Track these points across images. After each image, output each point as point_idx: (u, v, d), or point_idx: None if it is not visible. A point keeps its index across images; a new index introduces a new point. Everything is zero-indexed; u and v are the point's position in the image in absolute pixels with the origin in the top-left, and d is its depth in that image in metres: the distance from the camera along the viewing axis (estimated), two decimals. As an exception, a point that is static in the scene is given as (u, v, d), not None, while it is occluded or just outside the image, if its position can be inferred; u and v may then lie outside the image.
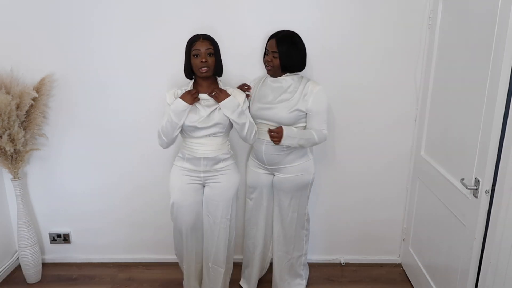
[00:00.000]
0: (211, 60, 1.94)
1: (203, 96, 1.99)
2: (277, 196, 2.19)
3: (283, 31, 2.03)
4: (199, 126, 1.96)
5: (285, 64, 1.99)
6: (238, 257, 2.70)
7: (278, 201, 2.19)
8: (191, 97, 1.94)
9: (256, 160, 2.17)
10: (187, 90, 1.99)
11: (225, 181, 2.07)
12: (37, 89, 2.27)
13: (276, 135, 1.97)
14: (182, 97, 1.94)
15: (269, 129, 2.00)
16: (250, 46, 2.28)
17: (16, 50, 2.30)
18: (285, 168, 2.10)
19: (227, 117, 1.97)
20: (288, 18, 2.23)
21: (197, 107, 1.98)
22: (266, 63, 2.05)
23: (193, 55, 1.93)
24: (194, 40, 1.94)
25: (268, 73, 2.09)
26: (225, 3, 2.23)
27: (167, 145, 2.05)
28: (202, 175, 2.06)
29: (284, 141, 1.97)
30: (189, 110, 1.95)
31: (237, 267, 2.65)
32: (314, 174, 2.18)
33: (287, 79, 2.05)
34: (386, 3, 2.22)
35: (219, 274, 2.22)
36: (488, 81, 1.60)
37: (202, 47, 1.91)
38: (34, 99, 2.25)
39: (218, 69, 1.99)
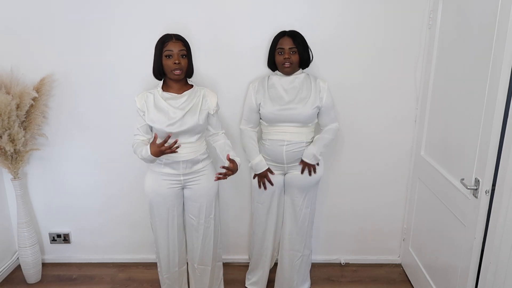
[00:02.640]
0: (184, 61, 1.89)
1: (174, 102, 1.93)
2: (291, 193, 2.18)
3: (288, 30, 2.06)
4: (173, 131, 1.88)
5: (304, 58, 2.03)
6: (237, 257, 2.71)
7: (291, 198, 2.19)
8: (159, 152, 1.81)
9: (270, 162, 2.15)
10: (158, 142, 1.83)
11: (205, 182, 2.05)
12: (37, 89, 2.27)
13: (311, 168, 2.10)
14: (153, 151, 1.82)
15: (302, 172, 2.10)
16: (249, 46, 2.28)
17: (16, 50, 2.30)
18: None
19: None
20: (287, 18, 2.22)
21: (168, 111, 1.91)
22: (284, 61, 2.01)
23: (166, 56, 1.87)
24: (165, 40, 1.88)
25: (285, 72, 2.06)
26: (224, 2, 2.23)
27: None
28: (182, 178, 2.02)
29: (318, 160, 2.11)
30: (161, 114, 1.90)
31: (237, 267, 2.66)
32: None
33: (299, 77, 2.07)
34: (386, 3, 2.22)
35: (205, 273, 2.22)
36: (488, 81, 1.60)
37: (175, 48, 1.86)
38: (34, 99, 2.25)
39: (190, 70, 1.97)
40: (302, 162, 2.09)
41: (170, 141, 1.86)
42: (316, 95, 2.04)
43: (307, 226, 2.24)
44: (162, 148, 1.81)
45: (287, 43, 2.00)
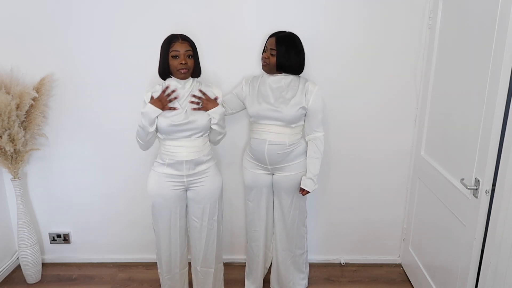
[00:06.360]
0: (190, 62, 1.91)
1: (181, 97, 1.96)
2: (278, 195, 2.19)
3: (285, 31, 2.05)
4: (177, 122, 1.90)
5: (281, 63, 2.00)
6: (237, 257, 2.71)
7: (279, 200, 2.20)
8: (160, 103, 1.89)
9: (254, 161, 2.16)
10: (162, 89, 1.94)
11: (209, 183, 2.05)
12: (37, 89, 2.27)
13: (307, 191, 2.10)
14: (153, 102, 1.89)
15: (302, 192, 2.11)
16: (248, 44, 2.28)
17: (16, 50, 2.30)
18: (286, 166, 2.11)
19: (213, 123, 1.98)
20: (287, 18, 2.23)
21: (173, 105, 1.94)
22: (263, 59, 2.06)
23: (172, 56, 1.88)
24: (172, 41, 1.89)
25: (263, 69, 2.09)
26: (225, 1, 2.23)
27: (145, 148, 2.04)
28: (185, 179, 2.01)
29: (316, 185, 2.11)
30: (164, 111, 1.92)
31: (236, 267, 2.66)
32: None
33: (287, 78, 2.06)
34: (386, 3, 2.22)
35: (208, 275, 2.21)
36: (488, 81, 1.60)
37: (181, 49, 1.88)
38: (34, 99, 2.26)
39: (196, 70, 1.98)
40: (302, 189, 2.11)
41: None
42: (302, 97, 2.03)
43: (297, 227, 2.24)
44: (161, 94, 1.91)
45: (270, 43, 2.01)
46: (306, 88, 2.04)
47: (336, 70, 2.33)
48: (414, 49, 2.30)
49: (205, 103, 1.97)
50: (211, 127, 2.01)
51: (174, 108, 1.92)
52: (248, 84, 2.15)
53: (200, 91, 1.99)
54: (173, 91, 1.93)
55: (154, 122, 1.91)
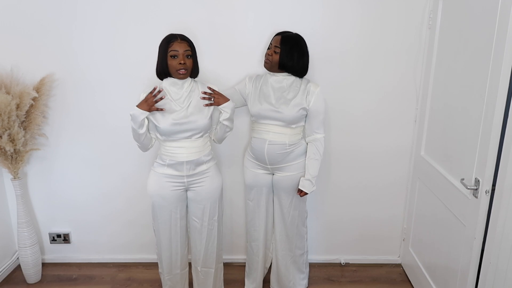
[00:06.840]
0: (189, 62, 1.90)
1: (176, 96, 1.94)
2: (278, 195, 2.19)
3: (292, 32, 2.05)
4: (178, 120, 1.89)
5: (283, 62, 1.99)
6: (237, 257, 2.71)
7: (279, 200, 2.20)
8: (146, 105, 1.87)
9: (255, 161, 2.17)
10: (152, 92, 1.91)
11: (209, 184, 2.04)
12: (37, 89, 2.27)
13: (305, 192, 2.09)
14: (139, 104, 1.88)
15: (300, 194, 2.11)
16: (247, 43, 2.28)
17: (16, 50, 2.30)
18: (286, 166, 2.11)
19: (224, 118, 1.98)
20: (287, 18, 2.23)
21: (172, 106, 1.93)
22: (266, 56, 2.05)
23: (171, 56, 1.87)
24: (170, 40, 1.88)
25: (265, 66, 2.08)
26: (226, 1, 2.23)
27: (144, 149, 2.05)
28: (185, 180, 2.01)
29: (314, 187, 2.11)
30: (163, 112, 1.90)
31: (236, 267, 2.66)
32: None
33: (289, 78, 2.05)
34: (386, 3, 2.23)
35: (209, 275, 2.21)
36: (488, 81, 1.60)
37: (180, 48, 1.87)
38: (34, 99, 2.26)
39: (194, 70, 1.97)
40: (300, 190, 2.10)
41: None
42: (303, 98, 2.03)
43: (297, 228, 2.24)
44: (147, 96, 1.88)
45: (276, 41, 2.01)
46: (308, 89, 2.04)
47: (336, 70, 2.33)
48: (414, 49, 2.30)
49: (217, 97, 1.98)
50: (221, 123, 2.02)
51: (161, 109, 1.91)
52: (251, 82, 2.14)
53: (209, 88, 2.00)
54: (159, 92, 1.92)
55: (143, 124, 1.91)
